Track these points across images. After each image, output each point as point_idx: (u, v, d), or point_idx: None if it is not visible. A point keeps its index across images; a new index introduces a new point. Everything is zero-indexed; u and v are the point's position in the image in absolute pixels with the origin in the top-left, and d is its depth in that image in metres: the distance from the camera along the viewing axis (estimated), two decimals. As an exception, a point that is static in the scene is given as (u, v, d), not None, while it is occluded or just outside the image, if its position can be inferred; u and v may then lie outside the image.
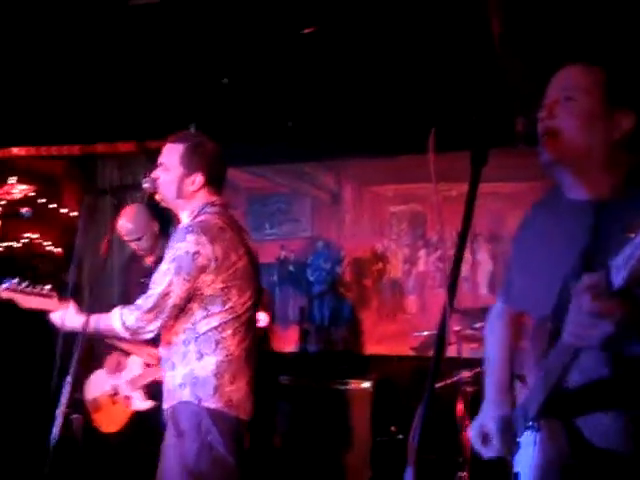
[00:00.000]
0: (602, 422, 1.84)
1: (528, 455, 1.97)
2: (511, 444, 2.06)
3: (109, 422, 4.29)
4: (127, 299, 3.36)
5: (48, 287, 3.31)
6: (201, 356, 3.02)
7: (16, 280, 3.29)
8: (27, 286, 3.29)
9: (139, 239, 4.40)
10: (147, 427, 4.15)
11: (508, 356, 2.26)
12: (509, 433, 2.06)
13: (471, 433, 2.19)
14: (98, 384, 4.35)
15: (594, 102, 1.92)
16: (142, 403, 4.17)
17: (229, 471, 3.01)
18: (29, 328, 4.90)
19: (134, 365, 4.23)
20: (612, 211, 1.86)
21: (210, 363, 3.01)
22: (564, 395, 1.87)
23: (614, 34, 3.98)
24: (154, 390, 3.94)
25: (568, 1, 4.00)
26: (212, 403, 2.99)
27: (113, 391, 4.27)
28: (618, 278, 1.56)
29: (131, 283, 4.51)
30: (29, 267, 3.39)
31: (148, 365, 4.16)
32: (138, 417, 4.19)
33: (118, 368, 4.28)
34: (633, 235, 1.50)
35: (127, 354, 4.25)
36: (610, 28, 4.00)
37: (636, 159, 1.94)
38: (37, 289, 3.29)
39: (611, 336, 1.63)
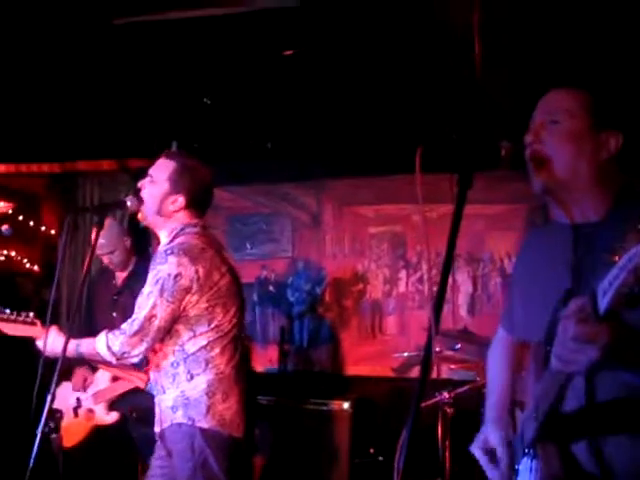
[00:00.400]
0: (598, 447, 1.83)
1: None
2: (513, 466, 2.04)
3: (68, 436, 4.24)
4: (95, 315, 3.37)
5: (32, 314, 3.32)
6: (191, 377, 3.02)
7: None
8: (10, 313, 3.29)
9: (111, 252, 4.41)
10: (107, 441, 4.15)
11: (508, 379, 2.25)
12: (511, 454, 2.04)
13: (475, 451, 2.13)
14: (62, 397, 4.30)
15: (579, 124, 1.94)
16: (105, 417, 4.15)
17: None
18: (10, 345, 4.86)
19: (101, 379, 4.21)
20: (600, 233, 1.87)
21: (201, 382, 3.01)
22: (559, 420, 1.86)
23: (598, 54, 4.03)
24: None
25: (551, 22, 4.04)
26: (205, 423, 2.99)
27: (76, 404, 4.24)
28: (604, 302, 1.56)
29: (101, 299, 4.50)
30: (8, 285, 3.38)
31: (115, 379, 4.14)
32: (98, 432, 4.18)
33: (84, 384, 4.27)
34: (617, 258, 1.51)
35: (94, 370, 4.23)
36: (594, 48, 4.04)
37: (626, 179, 1.96)
38: (21, 317, 3.31)
39: (597, 361, 1.63)
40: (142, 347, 2.99)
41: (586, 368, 1.67)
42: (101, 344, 3.03)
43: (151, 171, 3.20)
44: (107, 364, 3.29)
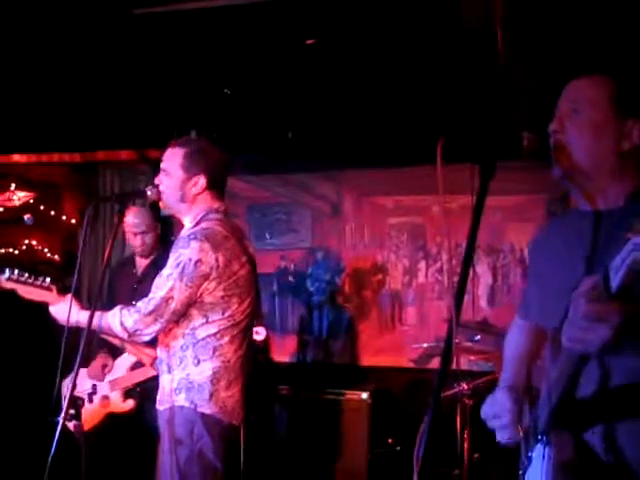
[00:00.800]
0: (611, 434, 1.82)
1: (537, 469, 1.95)
2: (519, 428, 2.03)
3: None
4: (116, 304, 3.37)
5: (48, 280, 3.35)
6: (198, 362, 3.04)
7: (17, 270, 3.34)
8: (28, 277, 3.33)
9: (144, 232, 4.45)
10: (128, 430, 4.17)
11: (524, 356, 2.24)
12: (519, 415, 2.03)
13: (485, 411, 2.12)
14: (79, 381, 4.33)
15: (602, 114, 1.92)
16: (121, 404, 4.17)
17: (216, 479, 3.04)
18: (32, 327, 4.90)
19: (119, 367, 4.23)
20: (619, 219, 1.85)
21: (207, 369, 3.03)
22: (574, 407, 1.85)
23: (622, 43, 3.99)
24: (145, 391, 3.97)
25: (574, 10, 4.00)
26: (207, 408, 3.02)
27: (91, 390, 4.26)
28: (616, 279, 1.55)
29: (122, 288, 4.52)
30: (30, 273, 3.43)
31: (133, 368, 4.16)
32: (118, 420, 4.20)
33: (103, 372, 4.29)
34: (630, 235, 1.50)
35: (114, 357, 4.25)
36: (618, 36, 4.00)
37: None
38: (38, 281, 3.33)
39: (609, 340, 1.61)
40: (156, 327, 3.02)
41: (598, 348, 1.65)
42: (115, 319, 3.06)
43: (163, 164, 3.20)
44: (119, 339, 3.30)
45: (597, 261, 1.84)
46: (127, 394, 4.17)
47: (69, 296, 3.21)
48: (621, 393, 1.82)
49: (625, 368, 1.80)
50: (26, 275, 3.33)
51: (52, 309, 3.23)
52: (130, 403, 4.16)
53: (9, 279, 3.33)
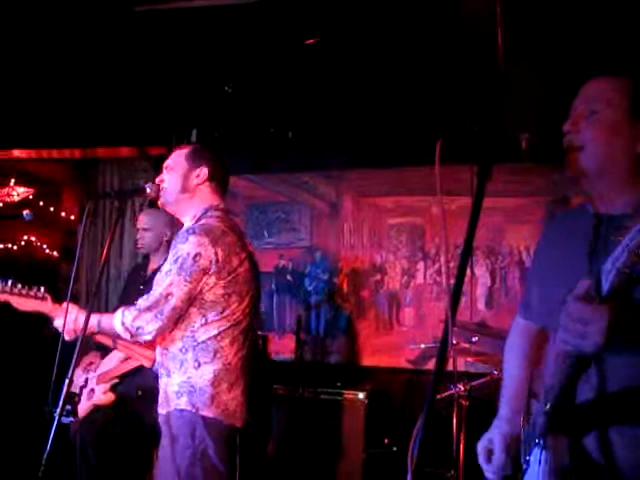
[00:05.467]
0: (610, 440, 1.83)
1: (534, 473, 1.95)
2: (511, 466, 2.04)
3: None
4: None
5: (42, 289, 3.30)
6: (199, 365, 3.01)
7: (10, 281, 3.28)
8: (22, 288, 3.28)
9: (145, 230, 4.50)
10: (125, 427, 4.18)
11: (526, 373, 2.23)
12: (512, 454, 2.04)
13: (478, 447, 2.15)
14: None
15: (617, 114, 1.92)
16: (101, 396, 4.18)
17: None
18: (29, 326, 4.90)
19: (109, 361, 4.25)
20: (624, 223, 1.85)
21: (208, 372, 3.01)
22: (571, 411, 1.86)
23: (623, 44, 3.98)
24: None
25: (575, 13, 4.00)
26: (209, 412, 2.99)
27: (83, 383, 4.28)
28: (606, 283, 1.56)
29: (131, 292, 4.53)
30: (29, 269, 3.41)
31: (122, 362, 4.18)
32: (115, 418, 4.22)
33: (89, 367, 4.31)
34: (621, 238, 1.50)
35: (103, 356, 4.27)
36: (619, 38, 4.00)
37: None
38: (32, 291, 3.29)
39: (602, 343, 1.62)
40: (157, 324, 2.97)
41: (592, 351, 1.65)
42: (117, 320, 3.04)
43: (167, 162, 3.25)
44: (124, 341, 3.28)
45: (598, 263, 1.84)
46: (112, 388, 4.19)
47: (70, 305, 3.15)
48: (616, 398, 1.82)
49: (622, 373, 1.80)
50: (19, 286, 3.27)
51: (57, 323, 3.19)
52: (110, 396, 4.17)
53: (2, 291, 3.28)
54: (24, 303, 3.28)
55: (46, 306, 3.26)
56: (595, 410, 1.85)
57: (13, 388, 5.59)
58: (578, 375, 1.79)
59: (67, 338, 3.14)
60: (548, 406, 1.86)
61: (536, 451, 1.96)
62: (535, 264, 2.26)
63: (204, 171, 3.18)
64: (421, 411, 1.60)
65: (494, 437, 2.15)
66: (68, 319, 3.11)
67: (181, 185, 3.16)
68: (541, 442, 1.93)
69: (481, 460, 2.14)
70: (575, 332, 1.65)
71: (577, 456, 1.86)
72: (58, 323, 3.18)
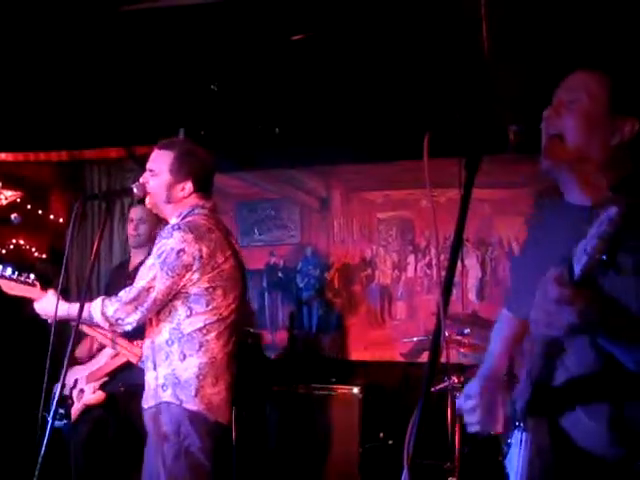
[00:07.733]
0: (583, 421, 1.87)
1: (515, 455, 2.00)
2: (493, 420, 2.08)
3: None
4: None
5: (32, 276, 3.37)
6: (184, 357, 3.04)
7: (0, 266, 3.35)
8: (12, 273, 3.35)
9: (140, 220, 4.54)
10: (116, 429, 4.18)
11: (505, 349, 2.30)
12: (491, 404, 2.08)
13: (459, 402, 2.20)
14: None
15: (597, 106, 1.95)
16: (90, 396, 4.19)
17: (204, 476, 3.05)
18: (20, 328, 4.89)
19: (98, 360, 4.26)
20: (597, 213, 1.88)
21: (193, 365, 3.03)
22: (550, 393, 1.90)
23: (610, 39, 4.00)
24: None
25: (561, 5, 4.01)
26: (193, 405, 3.01)
27: (73, 384, 4.28)
28: (577, 269, 1.58)
29: (115, 287, 4.54)
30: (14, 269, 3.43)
31: (111, 359, 4.19)
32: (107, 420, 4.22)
33: (89, 353, 4.34)
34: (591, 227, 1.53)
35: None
36: (606, 32, 4.01)
37: (636, 167, 1.96)
38: (22, 277, 3.36)
39: (574, 324, 1.64)
40: (136, 316, 3.03)
41: (563, 331, 1.67)
42: (96, 309, 3.07)
43: (150, 165, 3.21)
44: (101, 329, 3.30)
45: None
46: (102, 386, 4.20)
47: (51, 291, 3.26)
48: (589, 380, 1.87)
49: (594, 355, 1.84)
50: (9, 270, 3.34)
51: (37, 305, 3.26)
52: (100, 394, 4.19)
53: None
54: (13, 288, 3.35)
55: (34, 291, 3.32)
56: (571, 392, 1.90)
57: (4, 392, 5.57)
58: (555, 358, 1.83)
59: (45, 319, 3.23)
60: (529, 390, 1.91)
61: (517, 433, 2.00)
62: (520, 258, 2.31)
63: (188, 186, 3.17)
64: (416, 404, 1.62)
65: (471, 385, 2.19)
66: (42, 303, 3.20)
67: (165, 196, 3.18)
68: (522, 425, 1.98)
69: (465, 416, 2.17)
70: (547, 311, 1.67)
71: (557, 437, 1.90)
72: (38, 305, 3.24)
